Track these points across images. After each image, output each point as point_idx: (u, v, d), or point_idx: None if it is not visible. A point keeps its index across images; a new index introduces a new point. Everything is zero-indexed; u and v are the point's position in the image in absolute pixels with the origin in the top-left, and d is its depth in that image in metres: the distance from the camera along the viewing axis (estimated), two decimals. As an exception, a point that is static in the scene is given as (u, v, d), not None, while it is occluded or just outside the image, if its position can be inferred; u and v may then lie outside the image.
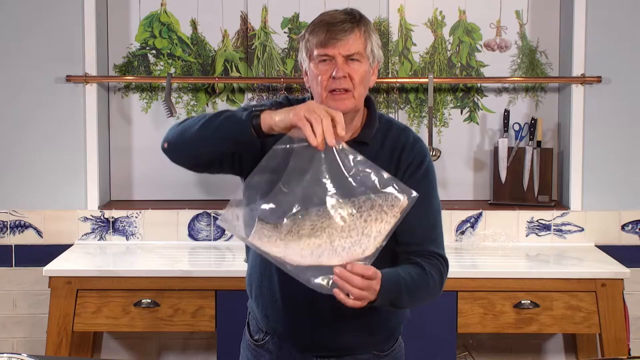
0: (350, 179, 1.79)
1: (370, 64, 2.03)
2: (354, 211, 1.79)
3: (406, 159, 2.06)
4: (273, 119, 1.82)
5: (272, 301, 2.11)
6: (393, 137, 2.09)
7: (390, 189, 1.79)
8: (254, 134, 1.84)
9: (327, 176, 1.78)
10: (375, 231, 1.80)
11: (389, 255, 2.00)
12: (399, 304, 1.95)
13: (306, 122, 1.76)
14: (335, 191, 1.79)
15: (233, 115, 1.87)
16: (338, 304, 1.86)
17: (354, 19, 1.99)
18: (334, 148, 1.78)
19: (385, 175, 1.80)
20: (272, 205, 1.78)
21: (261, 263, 2.12)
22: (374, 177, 1.80)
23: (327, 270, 1.79)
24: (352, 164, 1.79)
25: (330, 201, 1.79)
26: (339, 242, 1.79)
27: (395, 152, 2.07)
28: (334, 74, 1.97)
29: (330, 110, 1.80)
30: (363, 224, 1.79)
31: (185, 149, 1.95)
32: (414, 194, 1.81)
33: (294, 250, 1.78)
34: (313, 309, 2.04)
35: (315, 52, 2.00)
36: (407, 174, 2.05)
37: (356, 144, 2.03)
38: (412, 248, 2.03)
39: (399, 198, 1.79)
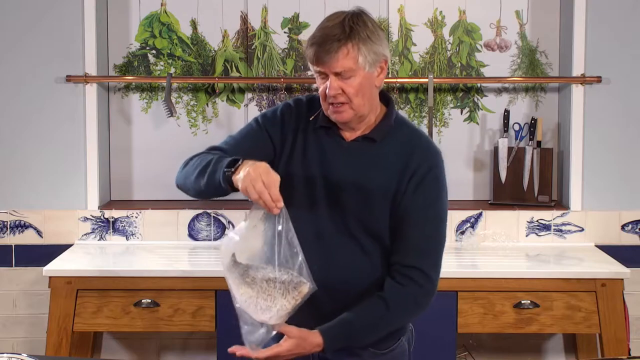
0: (279, 247, 1.91)
1: (369, 70, 2.04)
2: (274, 278, 1.91)
3: (413, 166, 2.08)
4: (236, 181, 1.93)
5: None
6: (405, 139, 2.12)
7: (300, 272, 1.91)
8: (232, 190, 1.98)
9: (267, 237, 1.92)
10: (280, 305, 1.92)
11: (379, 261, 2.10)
12: (357, 345, 2.08)
13: (246, 193, 1.89)
14: (268, 253, 1.91)
15: (215, 173, 1.99)
16: (336, 300, 1.99)
17: (343, 34, 2.00)
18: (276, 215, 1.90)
19: (302, 257, 1.91)
20: (242, 246, 1.94)
21: None
22: (294, 253, 1.91)
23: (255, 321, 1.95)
24: (285, 234, 1.90)
25: (263, 261, 1.92)
26: (260, 301, 1.92)
27: (405, 154, 2.09)
28: (327, 91, 2.03)
29: (268, 177, 1.87)
30: (275, 293, 1.91)
31: (190, 193, 2.17)
32: (313, 286, 1.93)
33: (238, 292, 1.93)
34: (312, 305, 2.06)
35: (312, 67, 2.07)
36: (414, 180, 2.07)
37: (364, 139, 2.10)
38: (401, 259, 2.08)
39: (304, 282, 1.92)
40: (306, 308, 2.07)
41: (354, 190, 2.08)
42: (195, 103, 3.82)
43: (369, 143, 2.10)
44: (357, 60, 2.01)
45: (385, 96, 2.17)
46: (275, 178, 1.89)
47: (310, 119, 2.15)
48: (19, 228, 3.67)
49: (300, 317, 2.07)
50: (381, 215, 2.08)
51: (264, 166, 1.90)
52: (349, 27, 2.01)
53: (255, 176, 1.87)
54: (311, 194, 2.11)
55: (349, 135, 2.13)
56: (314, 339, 2.00)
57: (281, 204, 1.88)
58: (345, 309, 2.06)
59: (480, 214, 3.69)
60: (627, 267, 3.29)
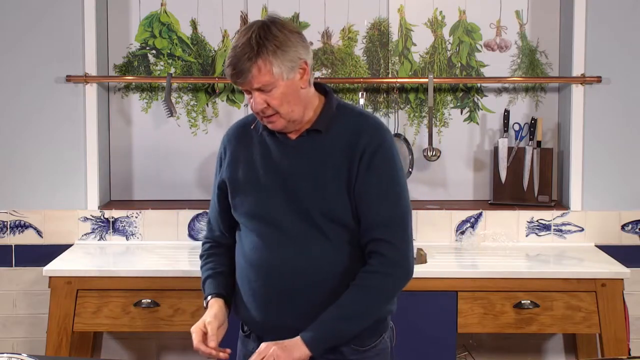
0: None
1: (288, 78, 2.05)
2: None
3: (362, 144, 2.10)
4: None
5: (252, 302, 2.17)
6: (350, 123, 2.15)
7: None
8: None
9: None
10: None
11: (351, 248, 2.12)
12: (344, 338, 2.10)
13: None
14: None
15: (203, 292, 2.27)
16: (306, 290, 2.07)
17: (252, 52, 2.02)
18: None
19: None
20: None
21: (241, 270, 2.21)
22: None
23: None
24: None
25: None
26: None
27: (352, 137, 2.12)
28: (253, 106, 2.09)
29: (207, 324, 2.11)
30: None
31: None
32: None
33: None
34: (291, 303, 2.11)
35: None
36: (364, 160, 2.09)
37: (310, 132, 2.14)
38: (367, 237, 2.10)
39: None
40: (280, 301, 2.12)
41: (308, 183, 2.10)
42: (195, 103, 3.82)
43: (315, 135, 2.14)
44: (272, 73, 2.03)
45: (321, 87, 2.20)
46: (205, 327, 2.10)
47: (252, 127, 2.21)
48: (19, 228, 3.67)
49: (276, 309, 2.12)
50: (340, 202, 2.09)
51: (200, 323, 2.13)
52: (256, 44, 2.02)
53: (194, 327, 2.13)
54: (268, 194, 2.14)
55: (293, 134, 2.16)
56: (299, 347, 2.02)
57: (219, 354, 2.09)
58: (316, 299, 2.08)
59: (480, 214, 3.69)
60: (627, 267, 3.29)
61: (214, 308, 2.16)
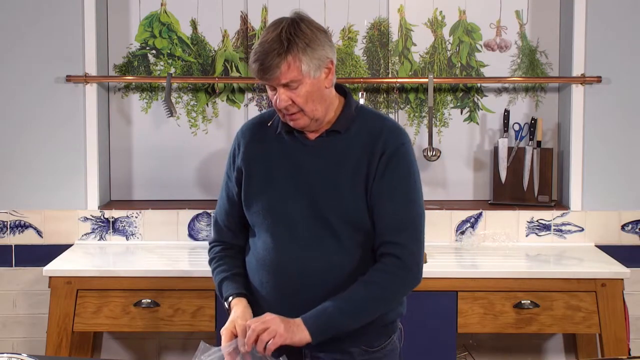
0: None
1: (314, 76, 2.06)
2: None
3: (380, 147, 2.11)
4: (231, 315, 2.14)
5: (263, 302, 2.17)
6: (369, 126, 2.15)
7: None
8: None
9: None
10: None
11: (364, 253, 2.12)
12: (344, 331, 2.07)
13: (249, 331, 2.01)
14: None
15: (220, 294, 2.26)
16: (313, 289, 2.07)
17: (282, 47, 2.02)
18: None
19: None
20: None
21: (252, 271, 2.21)
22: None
23: None
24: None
25: None
26: None
27: (371, 139, 2.12)
28: (277, 103, 2.07)
29: (238, 326, 2.06)
30: None
31: None
32: None
33: None
34: (302, 305, 2.09)
35: (259, 81, 2.10)
36: (382, 162, 2.10)
37: (329, 133, 2.14)
38: (381, 238, 2.10)
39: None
40: (291, 302, 2.11)
41: (325, 183, 2.10)
42: (195, 103, 3.82)
43: (334, 136, 2.14)
44: (300, 70, 2.03)
45: (341, 88, 2.21)
46: (235, 328, 2.08)
47: (268, 124, 2.20)
48: (19, 228, 3.67)
49: (287, 310, 2.10)
50: (356, 203, 2.10)
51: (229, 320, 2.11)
52: (287, 40, 2.02)
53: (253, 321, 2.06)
54: (282, 193, 2.13)
55: (312, 134, 2.16)
56: (301, 331, 2.01)
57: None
58: (323, 299, 2.07)
59: (480, 214, 3.69)
60: (627, 267, 3.29)
61: (240, 307, 2.14)
